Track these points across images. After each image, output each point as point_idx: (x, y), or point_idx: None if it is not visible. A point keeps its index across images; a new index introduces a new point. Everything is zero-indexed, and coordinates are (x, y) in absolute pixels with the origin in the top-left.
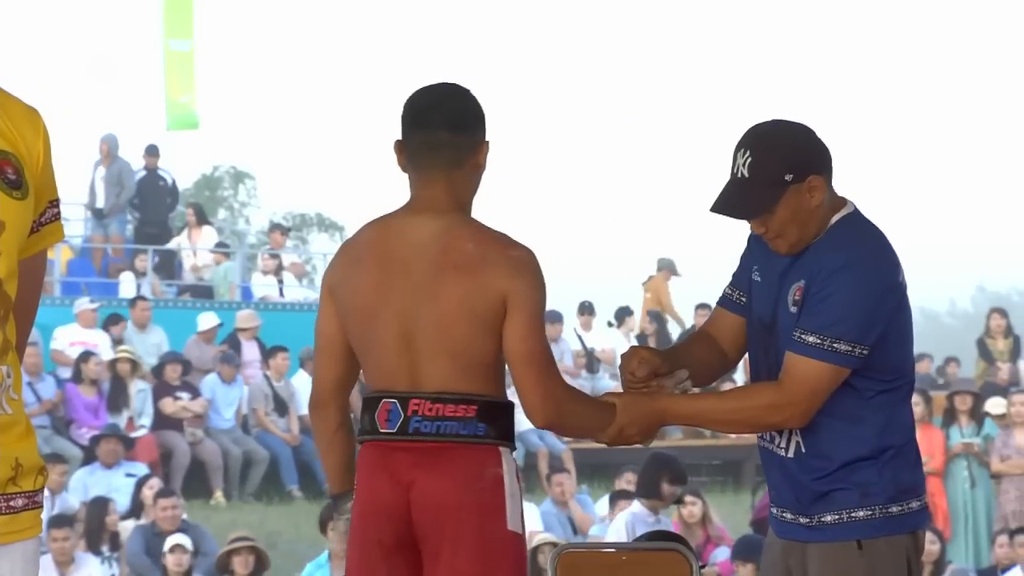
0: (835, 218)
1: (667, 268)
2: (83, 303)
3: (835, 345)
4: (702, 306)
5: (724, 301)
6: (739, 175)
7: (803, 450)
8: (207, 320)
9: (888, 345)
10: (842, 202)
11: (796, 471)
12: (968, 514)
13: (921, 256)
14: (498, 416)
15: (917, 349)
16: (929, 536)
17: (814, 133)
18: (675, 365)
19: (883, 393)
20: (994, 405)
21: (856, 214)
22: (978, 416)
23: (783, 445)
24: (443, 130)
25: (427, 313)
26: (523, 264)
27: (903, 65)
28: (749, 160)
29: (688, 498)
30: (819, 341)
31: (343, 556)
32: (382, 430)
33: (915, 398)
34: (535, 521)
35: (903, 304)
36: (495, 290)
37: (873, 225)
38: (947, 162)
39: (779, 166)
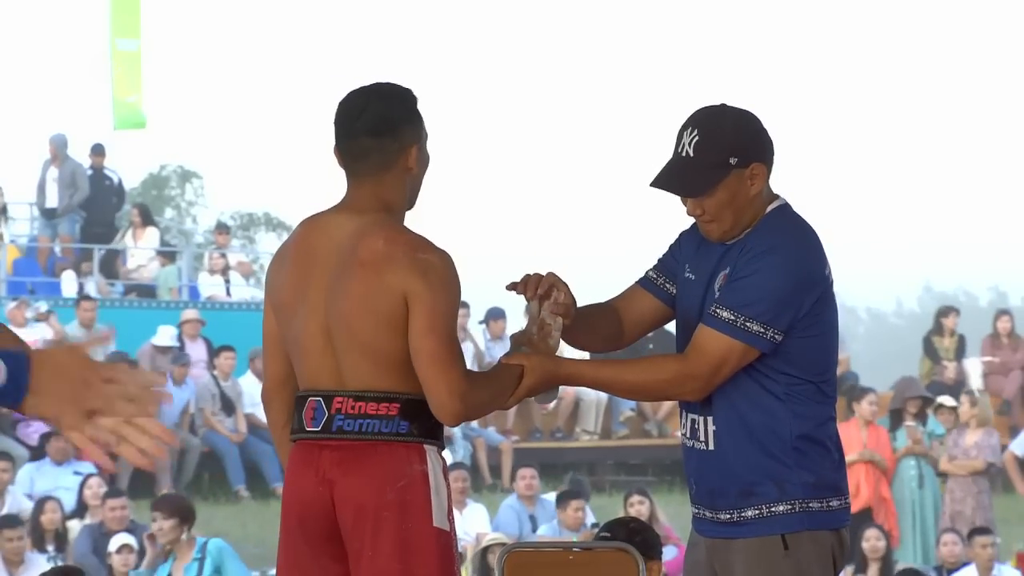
0: (768, 208)
1: None
2: (9, 305)
3: (748, 324)
4: None
5: (645, 282)
6: (683, 153)
7: (721, 444)
8: (165, 335)
9: (812, 339)
10: (775, 196)
11: (716, 466)
12: (916, 513)
13: (868, 256)
14: (423, 414)
15: (867, 348)
16: (875, 533)
17: (761, 122)
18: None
19: (802, 388)
20: (936, 401)
21: (787, 207)
22: (923, 415)
23: (703, 439)
24: (365, 137)
25: (337, 311)
26: (429, 266)
27: (850, 66)
28: (696, 139)
29: (635, 497)
30: (733, 318)
31: (182, 552)
32: (308, 428)
33: (870, 397)
34: (483, 522)
35: (827, 298)
36: (396, 289)
37: (803, 219)
38: (894, 163)
39: (725, 148)
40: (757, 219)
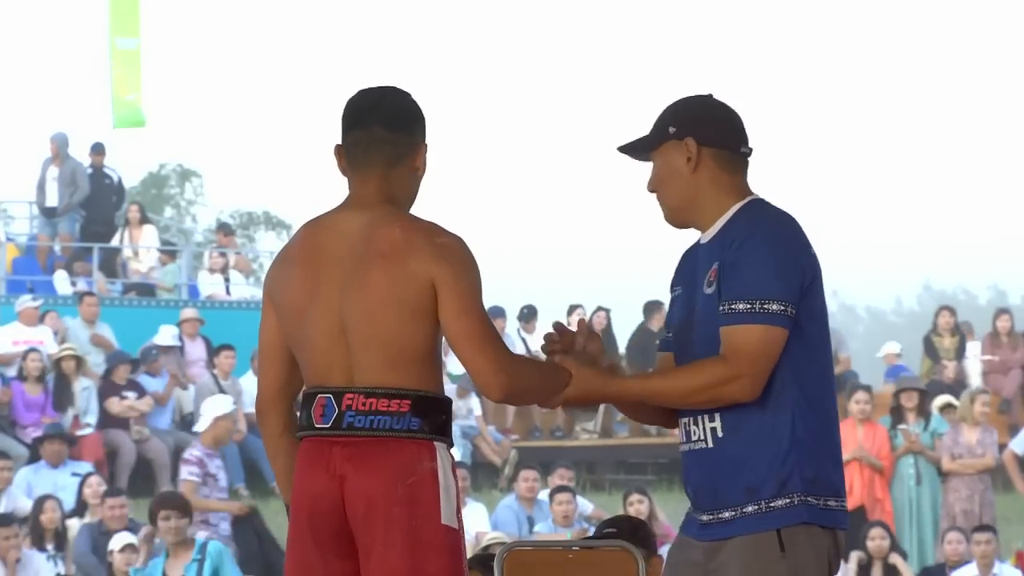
0: (740, 204)
1: None
2: (25, 301)
3: (766, 306)
4: (652, 304)
5: (663, 345)
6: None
7: (721, 441)
8: (166, 334)
9: (806, 323)
10: (750, 192)
11: (715, 463)
12: (913, 511)
13: (867, 254)
14: (433, 411)
15: (867, 346)
16: (880, 532)
17: (731, 115)
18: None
19: (801, 387)
20: (943, 400)
21: (764, 201)
22: (925, 413)
23: (701, 437)
24: (380, 127)
25: (356, 304)
26: (449, 249)
27: (850, 66)
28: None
29: (634, 496)
30: (749, 306)
31: (178, 551)
32: (317, 425)
33: (861, 395)
34: (483, 521)
35: (815, 288)
36: (421, 276)
37: (781, 209)
38: (894, 162)
39: (668, 117)
40: (723, 211)
